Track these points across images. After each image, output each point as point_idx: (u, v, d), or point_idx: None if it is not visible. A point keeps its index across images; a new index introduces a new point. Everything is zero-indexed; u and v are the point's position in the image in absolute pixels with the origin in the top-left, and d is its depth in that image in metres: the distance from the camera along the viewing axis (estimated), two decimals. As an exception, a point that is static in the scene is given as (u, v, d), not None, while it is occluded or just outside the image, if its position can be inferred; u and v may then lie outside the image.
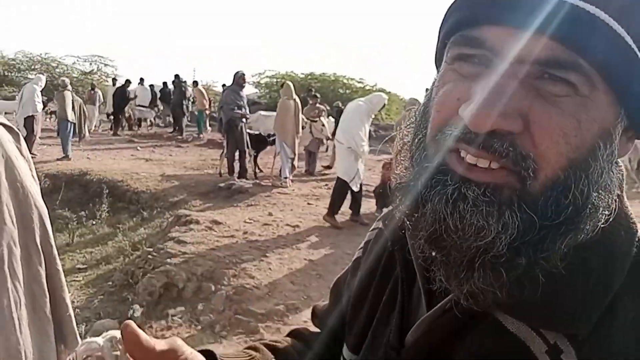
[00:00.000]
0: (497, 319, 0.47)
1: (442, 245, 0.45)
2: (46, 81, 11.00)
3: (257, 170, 8.92)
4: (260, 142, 8.83)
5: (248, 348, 0.72)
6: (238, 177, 8.20)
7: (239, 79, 8.20)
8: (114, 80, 16.89)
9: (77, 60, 24.47)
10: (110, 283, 4.67)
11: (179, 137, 14.11)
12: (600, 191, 0.44)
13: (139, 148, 12.04)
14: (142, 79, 16.57)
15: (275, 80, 22.39)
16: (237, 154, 8.25)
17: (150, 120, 16.25)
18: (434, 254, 0.48)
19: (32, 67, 23.13)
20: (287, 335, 0.83)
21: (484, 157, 0.43)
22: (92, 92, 14.38)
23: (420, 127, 0.51)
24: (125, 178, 8.19)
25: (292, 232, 5.73)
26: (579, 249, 0.45)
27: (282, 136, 7.97)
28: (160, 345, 0.52)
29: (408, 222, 0.49)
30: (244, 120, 8.21)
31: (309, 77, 22.76)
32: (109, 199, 7.20)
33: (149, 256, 4.74)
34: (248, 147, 8.41)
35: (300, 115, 8.31)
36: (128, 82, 15.34)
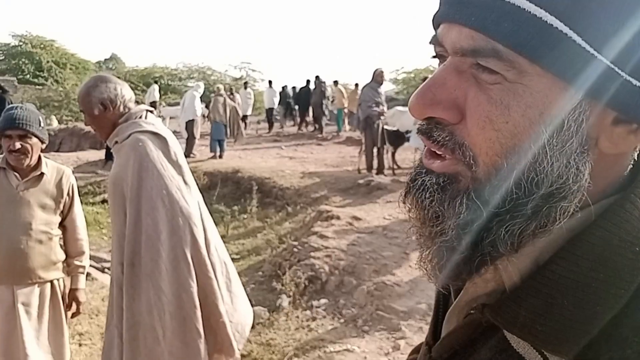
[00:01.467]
0: (504, 336, 0.46)
1: (417, 231, 0.50)
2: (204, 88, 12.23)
3: (394, 167, 8.90)
4: (398, 138, 8.78)
5: None
6: (376, 174, 8.26)
7: (377, 76, 8.24)
8: (245, 84, 17.35)
9: (229, 68, 26.75)
10: (261, 273, 5.03)
11: (319, 135, 14.63)
12: (554, 180, 0.42)
13: (283, 147, 12.76)
14: (270, 82, 17.17)
15: (412, 75, 22.09)
16: (375, 150, 8.32)
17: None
18: (414, 238, 0.53)
19: (191, 75, 25.81)
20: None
21: (434, 148, 0.46)
22: (232, 96, 15.48)
23: None
24: (272, 175, 8.74)
25: (433, 230, 5.61)
26: (568, 256, 0.43)
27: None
28: None
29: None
30: (381, 117, 8.23)
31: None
32: (258, 195, 7.74)
33: (295, 249, 5.00)
34: (386, 144, 8.42)
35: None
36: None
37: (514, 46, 0.40)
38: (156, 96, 17.74)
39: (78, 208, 2.59)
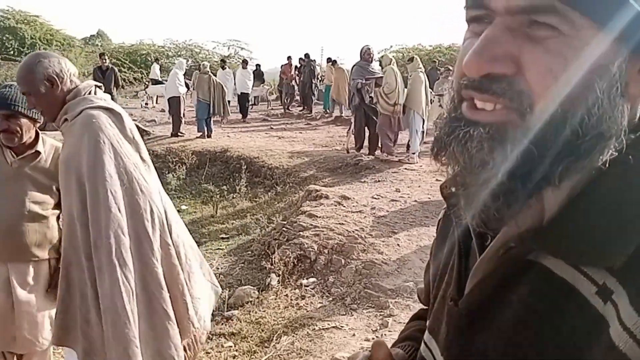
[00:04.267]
0: (544, 265, 0.49)
1: (460, 181, 0.53)
2: (190, 65, 11.99)
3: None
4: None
5: (407, 339, 0.81)
6: (368, 153, 8.27)
7: (364, 54, 8.17)
8: (222, 62, 15.50)
9: (217, 45, 26.38)
10: (250, 252, 5.05)
11: (309, 115, 14.57)
12: (603, 122, 0.47)
13: (272, 127, 12.70)
14: (245, 61, 16.04)
15: (401, 54, 21.97)
16: (366, 130, 8.30)
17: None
18: (453, 189, 0.56)
19: (179, 53, 25.40)
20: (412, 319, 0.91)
21: (487, 100, 0.49)
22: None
23: (451, 83, 0.57)
24: (261, 155, 8.72)
25: (421, 209, 5.66)
26: (605, 180, 0.47)
27: (416, 108, 7.79)
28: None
29: (445, 172, 0.56)
30: (367, 87, 8.14)
31: (436, 49, 21.98)
32: (247, 174, 7.73)
33: (284, 228, 5.03)
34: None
35: (429, 89, 8.10)
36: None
37: (569, 3, 0.45)
38: (158, 74, 17.48)
39: None
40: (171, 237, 2.02)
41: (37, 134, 2.39)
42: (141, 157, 2.03)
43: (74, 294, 1.91)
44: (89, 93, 2.00)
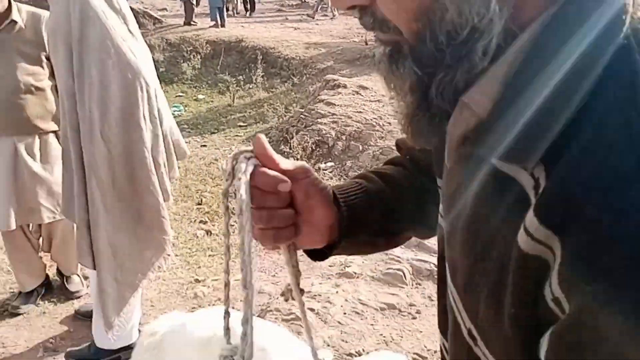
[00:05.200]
0: (491, 162, 0.47)
1: (391, 99, 0.52)
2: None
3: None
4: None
5: (358, 177, 0.79)
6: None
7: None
8: None
9: None
10: (268, 139, 4.99)
11: (325, 5, 13.92)
12: (467, 24, 0.42)
13: (287, 17, 12.22)
14: None
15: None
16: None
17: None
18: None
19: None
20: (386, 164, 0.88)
21: (369, 31, 0.50)
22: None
23: None
24: (277, 45, 8.48)
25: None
26: (521, 69, 0.43)
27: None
28: (285, 164, 0.63)
29: None
30: None
31: None
32: (263, 65, 7.59)
33: (301, 116, 5.03)
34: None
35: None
36: None
37: None
38: None
39: None
40: (158, 109, 2.03)
41: (9, 3, 2.28)
42: (129, 30, 1.97)
43: (68, 166, 1.97)
44: None
